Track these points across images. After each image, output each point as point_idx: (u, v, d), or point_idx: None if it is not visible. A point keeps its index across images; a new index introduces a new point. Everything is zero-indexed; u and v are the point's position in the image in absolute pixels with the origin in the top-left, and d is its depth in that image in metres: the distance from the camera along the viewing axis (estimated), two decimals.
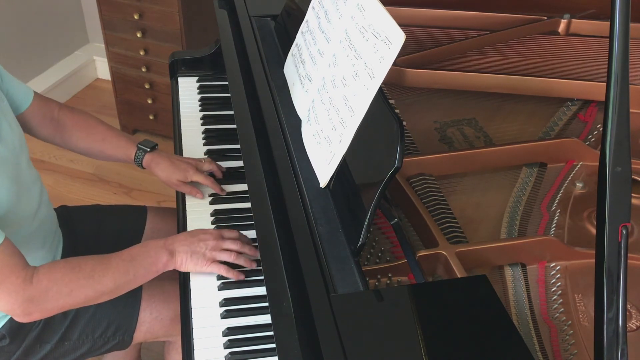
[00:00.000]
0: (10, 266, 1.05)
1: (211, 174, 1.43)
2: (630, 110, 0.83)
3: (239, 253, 1.20)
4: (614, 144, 0.81)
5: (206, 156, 1.51)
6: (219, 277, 1.22)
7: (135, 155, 1.41)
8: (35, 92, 1.39)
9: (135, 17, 2.43)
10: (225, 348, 1.11)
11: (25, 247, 1.23)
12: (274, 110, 1.26)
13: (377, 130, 0.98)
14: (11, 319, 1.22)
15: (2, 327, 1.23)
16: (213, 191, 1.41)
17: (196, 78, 1.77)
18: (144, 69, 2.58)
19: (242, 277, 1.20)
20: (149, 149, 1.41)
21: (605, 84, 0.82)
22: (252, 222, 1.23)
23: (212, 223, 1.34)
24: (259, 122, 1.25)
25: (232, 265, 1.20)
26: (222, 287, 1.20)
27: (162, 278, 1.50)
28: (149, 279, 1.18)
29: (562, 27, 1.62)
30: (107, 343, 1.32)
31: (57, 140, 1.44)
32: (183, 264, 1.18)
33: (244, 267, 1.21)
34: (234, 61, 1.45)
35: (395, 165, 0.89)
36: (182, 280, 1.24)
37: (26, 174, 1.24)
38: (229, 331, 1.13)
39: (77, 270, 1.10)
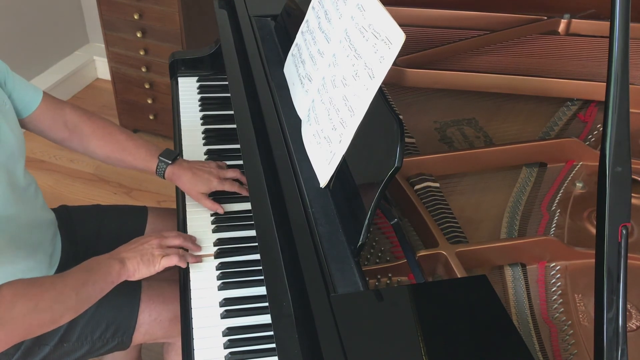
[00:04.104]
0: None
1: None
2: (630, 110, 0.83)
3: (184, 240, 1.24)
4: (614, 144, 0.81)
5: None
6: (219, 277, 1.22)
7: (157, 168, 1.38)
8: (46, 95, 1.35)
9: (135, 17, 2.43)
10: (225, 348, 1.11)
11: (23, 252, 1.23)
12: (274, 110, 1.26)
13: (377, 130, 0.98)
14: None
15: None
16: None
17: (196, 78, 1.77)
18: (144, 69, 2.58)
19: (199, 260, 1.24)
20: (170, 162, 1.37)
21: (605, 84, 0.82)
22: (252, 222, 1.23)
23: (212, 223, 1.34)
24: (259, 122, 1.25)
25: None
26: (222, 287, 1.20)
27: (161, 279, 1.50)
28: (106, 292, 1.16)
29: (562, 27, 1.62)
30: (106, 344, 1.32)
31: (74, 145, 1.40)
32: (136, 269, 1.18)
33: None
34: (234, 61, 1.45)
35: (395, 165, 0.89)
36: (182, 281, 1.24)
37: (21, 179, 1.23)
38: (229, 331, 1.13)
39: (38, 284, 1.07)
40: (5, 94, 1.24)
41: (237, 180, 1.40)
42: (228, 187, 1.37)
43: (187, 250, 1.26)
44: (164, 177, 1.38)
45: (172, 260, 1.20)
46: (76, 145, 1.40)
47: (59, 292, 1.08)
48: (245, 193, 1.38)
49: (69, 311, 1.10)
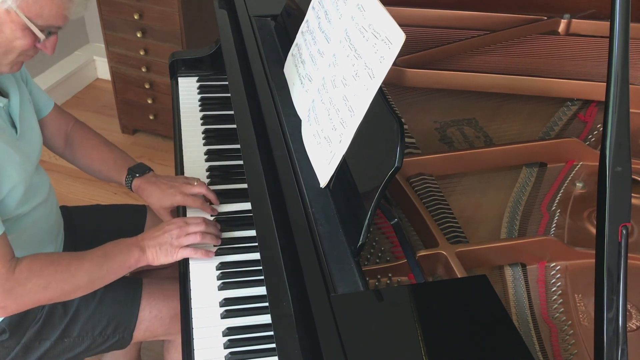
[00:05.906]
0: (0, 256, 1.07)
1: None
2: (630, 110, 0.83)
3: (204, 233, 1.23)
4: (614, 144, 0.81)
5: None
6: (219, 277, 1.22)
7: (125, 180, 1.39)
8: (55, 104, 1.42)
9: (135, 17, 2.43)
10: (225, 348, 1.11)
11: (33, 249, 1.24)
12: (274, 110, 1.26)
13: (377, 130, 0.98)
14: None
15: (3, 321, 1.23)
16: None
17: (196, 78, 1.77)
18: (144, 69, 2.58)
19: (211, 255, 1.24)
20: (137, 174, 1.38)
21: (605, 84, 0.82)
22: (252, 222, 1.23)
23: None
24: (259, 122, 1.25)
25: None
26: (222, 287, 1.20)
27: (162, 277, 1.49)
28: (122, 275, 1.21)
29: (562, 27, 1.62)
30: (106, 341, 1.32)
31: (67, 155, 1.45)
32: (155, 258, 1.21)
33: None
34: (234, 61, 1.45)
35: (395, 165, 0.89)
36: (182, 280, 1.24)
37: (35, 178, 1.25)
38: (229, 331, 1.13)
39: (55, 264, 1.13)
40: (28, 93, 1.29)
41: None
42: (190, 202, 1.34)
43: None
44: (131, 189, 1.39)
45: (189, 254, 1.21)
46: (68, 155, 1.45)
47: (72, 275, 1.14)
48: (209, 211, 1.34)
49: (79, 290, 1.17)
